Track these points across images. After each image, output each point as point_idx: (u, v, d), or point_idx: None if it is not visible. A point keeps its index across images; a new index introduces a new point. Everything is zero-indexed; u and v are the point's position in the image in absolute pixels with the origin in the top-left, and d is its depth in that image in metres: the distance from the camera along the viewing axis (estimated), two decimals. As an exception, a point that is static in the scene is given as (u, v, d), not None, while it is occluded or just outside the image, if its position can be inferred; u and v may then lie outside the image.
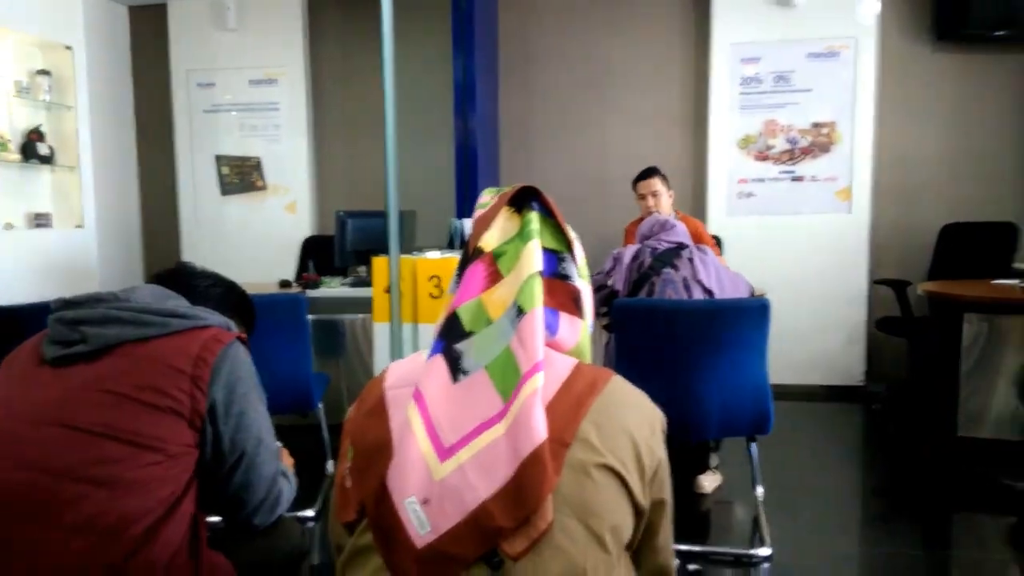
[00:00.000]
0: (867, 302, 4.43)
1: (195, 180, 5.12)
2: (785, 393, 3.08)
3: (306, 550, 1.50)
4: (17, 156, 4.24)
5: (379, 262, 2.81)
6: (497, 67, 4.80)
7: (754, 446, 2.54)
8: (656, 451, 0.98)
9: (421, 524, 0.89)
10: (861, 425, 4.13)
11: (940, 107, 4.44)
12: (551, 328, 1.02)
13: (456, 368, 0.98)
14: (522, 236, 1.05)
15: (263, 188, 5.06)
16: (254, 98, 5.03)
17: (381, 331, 2.85)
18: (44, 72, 4.41)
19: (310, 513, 2.60)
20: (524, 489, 0.88)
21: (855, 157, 4.40)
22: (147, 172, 5.29)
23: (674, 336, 2.33)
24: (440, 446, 0.93)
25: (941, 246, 4.09)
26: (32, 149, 4.32)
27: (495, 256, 1.05)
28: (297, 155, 5.01)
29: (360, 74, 4.96)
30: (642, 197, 3.58)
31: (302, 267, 4.34)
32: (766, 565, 2.42)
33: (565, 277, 1.07)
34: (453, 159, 4.27)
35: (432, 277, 2.80)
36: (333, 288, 3.70)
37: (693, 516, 2.87)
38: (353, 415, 1.04)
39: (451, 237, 3.20)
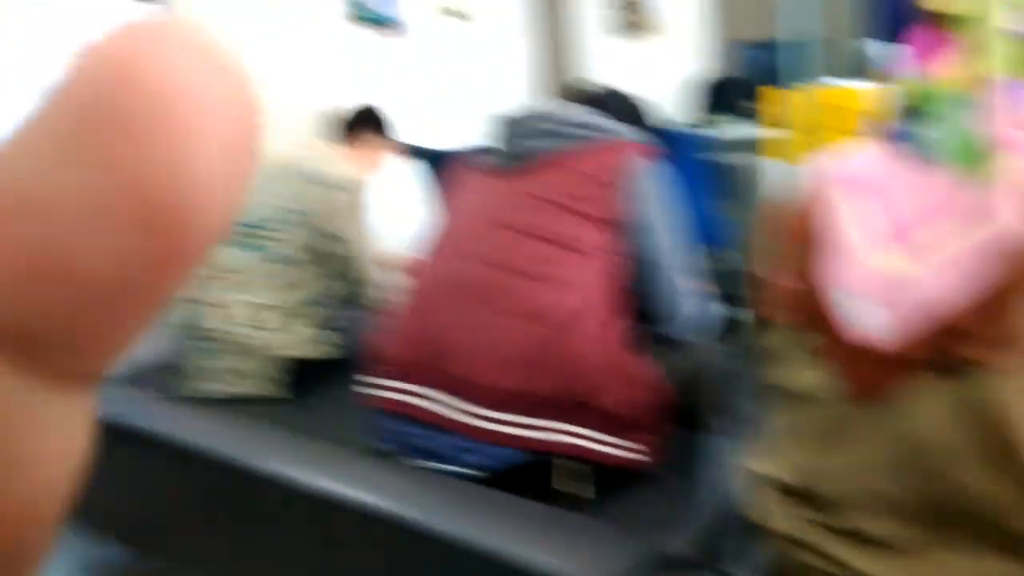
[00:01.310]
0: None
1: (584, 22, 5.20)
2: None
3: (708, 375, 1.56)
4: (439, 11, 4.66)
5: (772, 95, 2.63)
6: None
7: None
8: None
9: (863, 321, 0.83)
10: None
11: None
12: None
13: (903, 153, 0.86)
14: None
15: (652, 27, 4.96)
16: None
17: (773, 170, 2.71)
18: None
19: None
20: (995, 287, 0.76)
21: None
22: (538, 17, 5.49)
23: None
24: (886, 238, 0.84)
25: None
26: (445, 4, 4.71)
27: (953, 20, 0.87)
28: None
29: None
30: None
31: (698, 107, 4.23)
32: None
33: None
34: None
35: (834, 109, 2.53)
36: (721, 127, 3.56)
37: None
38: (781, 209, 0.99)
39: (856, 64, 2.84)
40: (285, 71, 3.46)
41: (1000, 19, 0.83)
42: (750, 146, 3.25)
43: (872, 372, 0.83)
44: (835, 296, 0.85)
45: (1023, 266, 0.76)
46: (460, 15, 4.72)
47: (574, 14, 5.17)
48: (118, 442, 1.72)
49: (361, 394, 1.49)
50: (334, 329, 2.01)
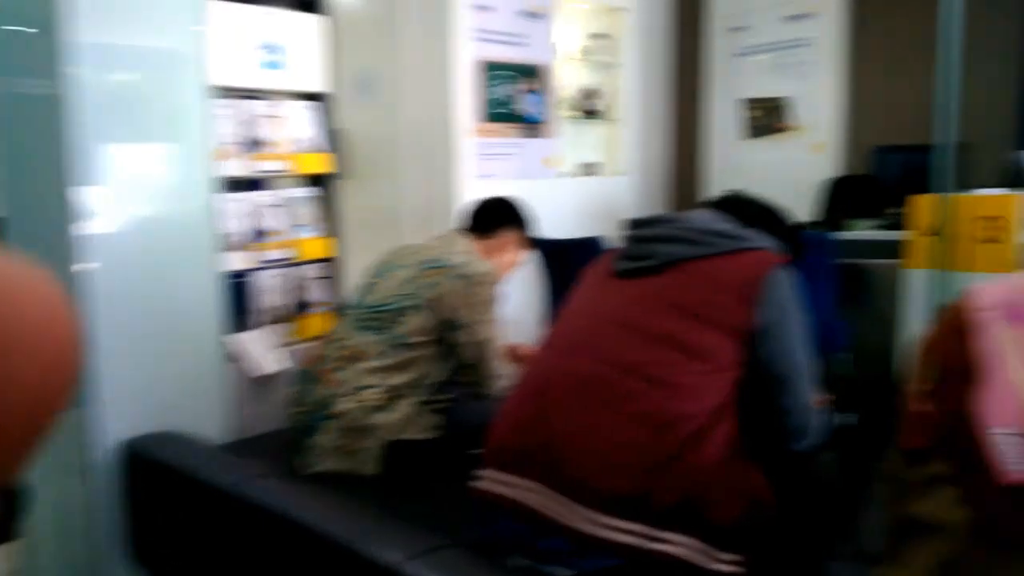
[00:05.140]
0: None
1: (720, 126, 5.21)
2: None
3: (826, 490, 1.47)
4: (574, 113, 4.84)
5: (923, 200, 2.51)
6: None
7: None
8: None
9: (1014, 459, 0.78)
10: None
11: None
12: None
13: None
14: None
15: (788, 129, 4.91)
16: (785, 36, 4.87)
17: (915, 279, 2.57)
18: (601, 35, 4.91)
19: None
20: None
21: None
22: (679, 121, 5.55)
23: None
24: None
25: None
26: (587, 106, 4.88)
27: None
28: (827, 92, 4.72)
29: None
30: None
31: (829, 209, 4.11)
32: None
33: None
34: (1016, 80, 3.56)
35: (986, 218, 2.38)
36: (861, 231, 3.43)
37: None
38: (933, 335, 0.95)
39: (1012, 173, 2.69)
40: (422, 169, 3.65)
41: None
42: (885, 250, 3.11)
43: (1009, 504, 0.77)
44: (988, 432, 0.79)
45: None
46: (598, 115, 4.87)
47: (709, 117, 5.20)
48: (219, 508, 1.78)
49: (462, 480, 1.48)
50: (438, 412, 2.04)
